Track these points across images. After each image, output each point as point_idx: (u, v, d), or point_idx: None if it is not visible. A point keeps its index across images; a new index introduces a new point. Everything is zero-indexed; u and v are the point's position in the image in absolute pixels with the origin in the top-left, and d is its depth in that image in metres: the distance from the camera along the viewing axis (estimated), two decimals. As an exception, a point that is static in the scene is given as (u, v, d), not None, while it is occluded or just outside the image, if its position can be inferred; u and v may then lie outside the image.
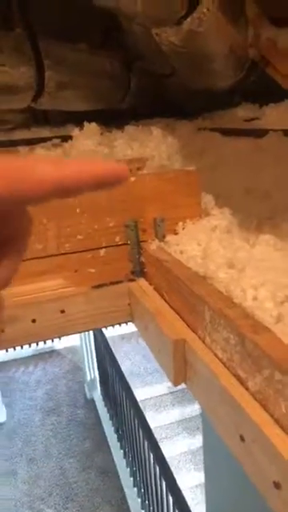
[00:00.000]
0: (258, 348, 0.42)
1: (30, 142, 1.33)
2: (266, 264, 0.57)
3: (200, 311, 0.55)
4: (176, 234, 0.76)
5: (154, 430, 3.48)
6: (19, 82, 1.24)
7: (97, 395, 5.13)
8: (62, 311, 0.72)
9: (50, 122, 1.59)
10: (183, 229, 0.76)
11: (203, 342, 0.55)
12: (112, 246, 0.75)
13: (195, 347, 0.55)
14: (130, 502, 3.90)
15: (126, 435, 4.03)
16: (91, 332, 4.60)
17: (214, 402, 0.50)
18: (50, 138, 1.35)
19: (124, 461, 4.16)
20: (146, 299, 0.71)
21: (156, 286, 0.73)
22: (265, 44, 1.21)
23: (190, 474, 4.34)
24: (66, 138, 1.30)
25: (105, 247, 0.75)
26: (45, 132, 1.46)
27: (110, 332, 4.74)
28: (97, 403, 5.10)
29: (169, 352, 0.58)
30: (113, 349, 4.46)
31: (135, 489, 3.86)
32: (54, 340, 4.60)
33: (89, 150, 1.17)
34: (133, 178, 0.73)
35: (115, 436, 4.45)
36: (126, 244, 0.76)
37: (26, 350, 5.76)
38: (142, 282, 0.76)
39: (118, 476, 4.17)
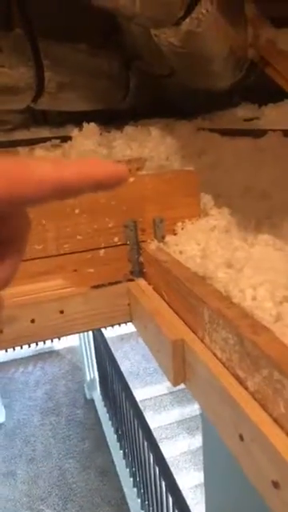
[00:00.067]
0: (257, 348, 0.42)
1: (30, 143, 1.33)
2: (265, 264, 0.57)
3: (199, 311, 0.55)
4: (175, 234, 0.76)
5: (153, 431, 3.48)
6: (19, 83, 1.24)
7: (96, 395, 5.13)
8: (61, 311, 0.72)
9: (49, 122, 1.59)
10: (182, 229, 0.76)
11: (202, 341, 0.56)
12: (111, 246, 0.75)
13: (194, 347, 0.55)
14: (129, 502, 3.89)
15: (126, 435, 4.03)
16: (90, 332, 4.60)
17: (214, 402, 0.50)
18: (49, 139, 1.36)
19: (124, 461, 4.15)
20: (145, 299, 0.70)
21: (155, 286, 0.73)
22: (264, 44, 1.22)
23: (190, 474, 4.34)
24: (66, 139, 1.31)
25: (104, 247, 0.75)
26: (44, 132, 1.46)
27: (109, 332, 4.74)
28: (96, 403, 5.10)
29: (168, 352, 0.58)
30: (112, 349, 4.46)
31: (135, 489, 3.86)
32: (54, 340, 4.58)
33: (88, 151, 1.17)
34: (132, 179, 0.73)
35: (115, 436, 4.44)
36: (125, 244, 0.76)
37: (26, 351, 5.75)
38: (141, 282, 0.76)
39: (118, 476, 4.17)
